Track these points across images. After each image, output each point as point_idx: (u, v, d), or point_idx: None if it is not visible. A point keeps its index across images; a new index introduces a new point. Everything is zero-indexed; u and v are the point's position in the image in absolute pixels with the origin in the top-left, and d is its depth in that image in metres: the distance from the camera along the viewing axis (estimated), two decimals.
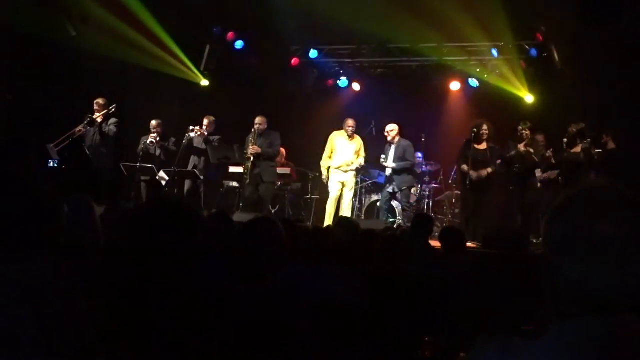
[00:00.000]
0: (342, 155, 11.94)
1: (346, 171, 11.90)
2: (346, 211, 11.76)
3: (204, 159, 11.89)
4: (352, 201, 12.08)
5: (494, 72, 13.94)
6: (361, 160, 11.99)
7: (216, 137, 11.89)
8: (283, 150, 13.16)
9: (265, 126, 11.58)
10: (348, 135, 11.96)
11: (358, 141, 12.02)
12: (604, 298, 1.41)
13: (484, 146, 10.94)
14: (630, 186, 1.51)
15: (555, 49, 12.66)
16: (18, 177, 2.25)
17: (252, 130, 11.54)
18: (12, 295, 1.95)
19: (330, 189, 12.05)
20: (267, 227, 3.57)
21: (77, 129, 11.19)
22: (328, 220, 11.56)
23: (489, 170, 10.87)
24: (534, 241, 10.12)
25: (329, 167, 12.00)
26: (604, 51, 11.74)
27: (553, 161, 10.63)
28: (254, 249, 3.43)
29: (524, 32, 12.77)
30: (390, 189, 11.87)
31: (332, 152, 12.03)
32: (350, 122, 12.00)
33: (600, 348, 1.37)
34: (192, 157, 11.99)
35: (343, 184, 11.91)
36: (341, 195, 11.96)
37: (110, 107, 11.40)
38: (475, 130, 10.99)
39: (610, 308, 1.40)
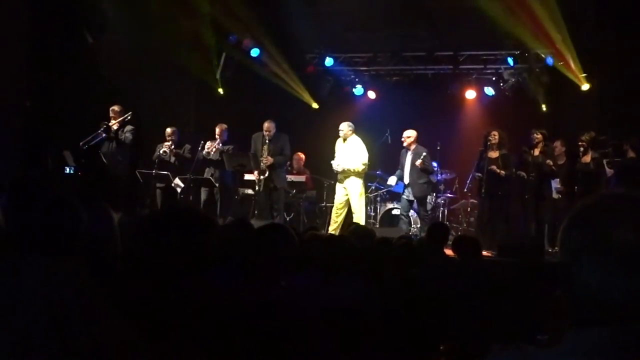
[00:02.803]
0: (340, 158, 11.90)
1: (347, 176, 11.86)
2: (358, 220, 11.66)
3: (219, 168, 11.90)
4: (360, 206, 11.87)
5: (510, 80, 13.94)
6: (351, 165, 11.70)
7: (230, 147, 11.91)
8: (302, 156, 13.16)
9: (274, 130, 11.59)
10: (342, 139, 11.94)
11: (352, 142, 11.85)
12: (623, 306, 1.40)
13: (496, 154, 10.93)
14: None
15: (571, 56, 12.62)
16: (39, 184, 2.28)
17: (263, 134, 11.56)
18: (30, 299, 1.97)
19: (335, 198, 12.09)
20: (278, 233, 3.57)
21: (96, 133, 11.24)
22: (331, 227, 11.60)
23: (502, 172, 10.82)
24: (549, 250, 10.09)
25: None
26: (621, 59, 11.69)
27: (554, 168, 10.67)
28: (265, 255, 3.43)
29: (540, 40, 12.73)
30: (406, 196, 11.80)
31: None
32: (340, 126, 11.95)
33: (618, 358, 1.37)
34: (208, 168, 12.02)
35: (346, 189, 11.88)
36: (350, 203, 11.92)
37: (127, 115, 11.42)
38: (484, 138, 11.01)
39: (629, 317, 1.39)
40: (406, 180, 11.73)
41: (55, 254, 2.14)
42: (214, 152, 11.83)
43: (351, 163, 11.69)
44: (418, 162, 11.53)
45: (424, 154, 11.59)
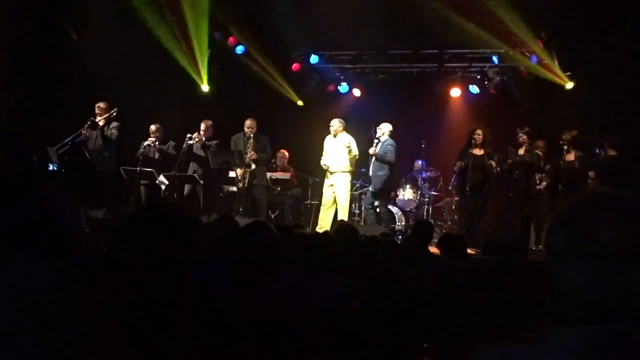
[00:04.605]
0: (329, 155, 12.02)
1: (334, 172, 11.93)
2: (342, 216, 11.71)
3: (203, 165, 11.90)
4: (346, 202, 11.99)
5: (495, 79, 13.98)
6: (348, 157, 11.85)
7: (214, 142, 11.93)
8: (286, 153, 13.16)
9: (256, 129, 11.72)
10: (332, 135, 12.04)
11: (343, 138, 11.93)
12: (607, 305, 1.40)
13: (480, 152, 10.97)
14: (632, 193, 1.51)
15: (556, 55, 12.66)
16: (21, 180, 2.25)
17: (244, 133, 11.68)
18: (13, 297, 1.95)
19: (323, 195, 12.16)
20: (260, 231, 3.56)
21: (79, 132, 11.19)
22: (319, 226, 11.61)
23: (496, 167, 10.85)
24: (533, 248, 10.13)
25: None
26: (605, 58, 11.74)
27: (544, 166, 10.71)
28: (248, 254, 3.42)
29: (524, 39, 12.75)
30: (372, 188, 11.85)
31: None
32: (331, 122, 12.11)
33: (603, 356, 1.37)
34: (192, 163, 12.00)
35: (333, 186, 11.93)
36: (336, 200, 11.97)
37: (112, 111, 11.39)
38: (469, 136, 11.06)
39: (613, 316, 1.40)
40: (370, 172, 11.80)
41: (38, 253, 2.12)
42: (196, 142, 11.81)
43: (343, 159, 11.79)
44: (371, 150, 11.67)
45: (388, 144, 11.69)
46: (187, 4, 12.62)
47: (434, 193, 13.38)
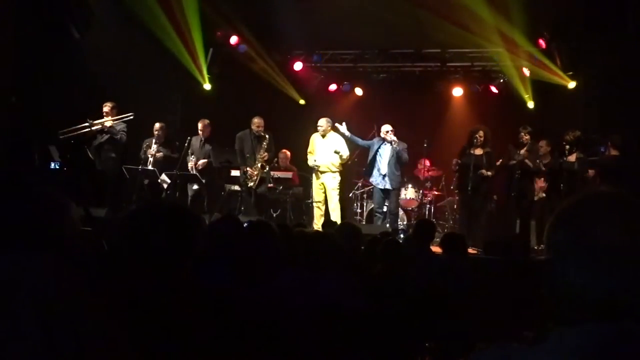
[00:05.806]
0: (319, 154, 12.08)
1: (324, 172, 11.97)
2: (333, 215, 11.72)
3: (207, 165, 11.95)
4: (337, 203, 12.02)
5: (497, 78, 13.98)
6: (339, 160, 11.96)
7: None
8: (288, 153, 13.18)
9: (263, 127, 11.76)
10: (321, 135, 12.07)
11: (334, 138, 12.02)
12: (608, 304, 1.41)
13: (479, 151, 10.96)
14: (634, 191, 1.51)
15: (558, 55, 12.66)
16: (23, 179, 2.25)
17: (250, 131, 11.74)
18: (14, 296, 1.95)
19: (313, 193, 12.20)
20: (263, 230, 3.57)
21: (90, 129, 11.24)
22: (315, 225, 11.61)
23: (489, 173, 10.85)
24: (535, 248, 10.12)
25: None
26: (607, 58, 11.73)
27: (543, 168, 10.68)
28: (250, 252, 3.43)
29: (526, 38, 12.75)
30: (382, 185, 11.77)
31: (314, 152, 12.22)
32: (319, 122, 12.16)
33: (603, 355, 1.37)
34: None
35: (324, 185, 11.96)
36: (327, 199, 12.02)
37: (127, 115, 11.42)
38: (470, 136, 11.04)
39: (614, 314, 1.40)
40: (384, 171, 11.72)
41: (40, 250, 2.12)
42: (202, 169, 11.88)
43: (333, 158, 11.83)
44: (393, 137, 11.57)
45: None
46: (188, 3, 12.61)
47: (436, 192, 13.38)
